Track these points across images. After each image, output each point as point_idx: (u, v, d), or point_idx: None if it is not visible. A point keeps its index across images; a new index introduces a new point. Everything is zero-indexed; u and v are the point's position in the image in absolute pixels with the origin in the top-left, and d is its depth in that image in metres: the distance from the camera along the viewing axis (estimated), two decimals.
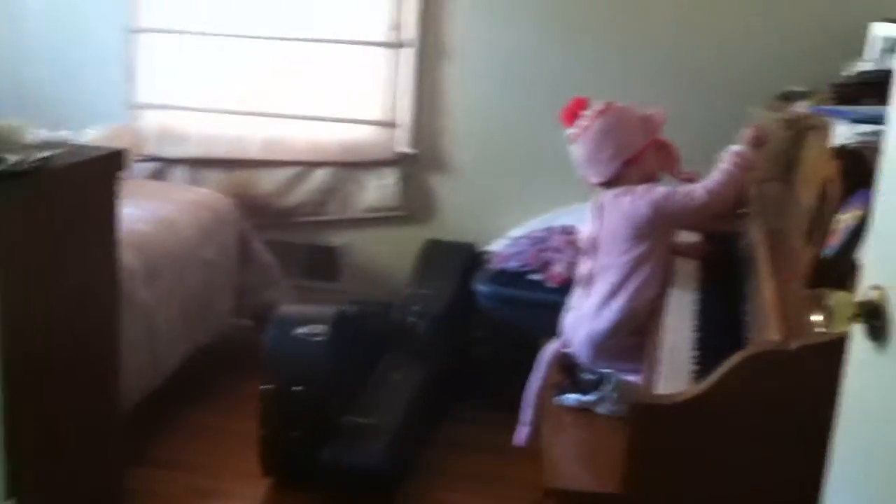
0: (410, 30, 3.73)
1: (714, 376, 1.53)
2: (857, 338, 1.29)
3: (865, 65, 2.79)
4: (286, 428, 2.79)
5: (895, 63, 2.46)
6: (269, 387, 2.79)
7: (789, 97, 3.34)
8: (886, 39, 2.88)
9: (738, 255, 2.60)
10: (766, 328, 1.60)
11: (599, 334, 2.34)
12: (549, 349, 2.49)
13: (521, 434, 2.51)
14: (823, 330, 1.27)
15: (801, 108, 3.16)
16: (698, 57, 3.57)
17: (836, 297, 1.26)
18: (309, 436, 2.77)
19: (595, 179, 2.45)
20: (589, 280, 2.43)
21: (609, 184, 2.43)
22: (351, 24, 3.76)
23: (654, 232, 2.34)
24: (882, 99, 2.34)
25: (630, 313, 2.31)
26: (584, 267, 2.47)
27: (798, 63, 3.40)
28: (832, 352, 1.40)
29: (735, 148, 2.45)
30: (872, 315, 1.24)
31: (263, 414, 2.82)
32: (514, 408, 2.62)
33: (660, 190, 2.36)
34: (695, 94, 3.54)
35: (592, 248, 2.43)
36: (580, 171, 2.48)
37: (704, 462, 1.58)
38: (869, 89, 2.34)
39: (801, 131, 2.50)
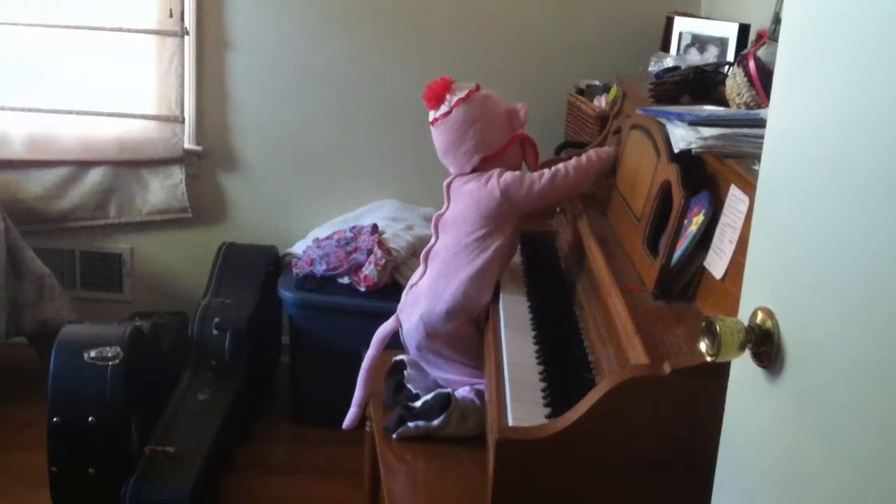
0: (190, 18, 3.48)
1: (582, 406, 1.44)
2: (743, 363, 1.23)
3: (668, 60, 2.81)
4: (80, 464, 2.50)
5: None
6: (57, 419, 2.50)
7: (587, 91, 3.35)
8: (688, 35, 2.92)
9: (559, 252, 2.56)
10: (630, 350, 1.53)
11: (435, 316, 2.21)
12: (384, 328, 2.35)
13: (349, 416, 2.37)
14: (709, 359, 1.19)
15: (602, 101, 3.18)
16: (499, 51, 3.51)
17: (725, 324, 1.18)
18: (106, 471, 2.50)
19: (452, 170, 2.31)
20: (427, 257, 2.31)
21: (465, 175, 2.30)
22: (127, 11, 3.45)
23: (502, 217, 2.21)
24: (699, 98, 2.36)
25: (468, 296, 2.19)
26: (428, 245, 2.34)
27: (597, 57, 3.42)
28: (707, 373, 1.35)
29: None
30: (762, 340, 1.18)
31: (53, 450, 2.51)
32: (326, 423, 2.46)
33: (509, 174, 2.22)
34: (494, 89, 3.46)
35: (435, 228, 2.32)
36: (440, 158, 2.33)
37: (578, 498, 1.48)
38: (687, 87, 2.34)
39: (617, 129, 2.48)
